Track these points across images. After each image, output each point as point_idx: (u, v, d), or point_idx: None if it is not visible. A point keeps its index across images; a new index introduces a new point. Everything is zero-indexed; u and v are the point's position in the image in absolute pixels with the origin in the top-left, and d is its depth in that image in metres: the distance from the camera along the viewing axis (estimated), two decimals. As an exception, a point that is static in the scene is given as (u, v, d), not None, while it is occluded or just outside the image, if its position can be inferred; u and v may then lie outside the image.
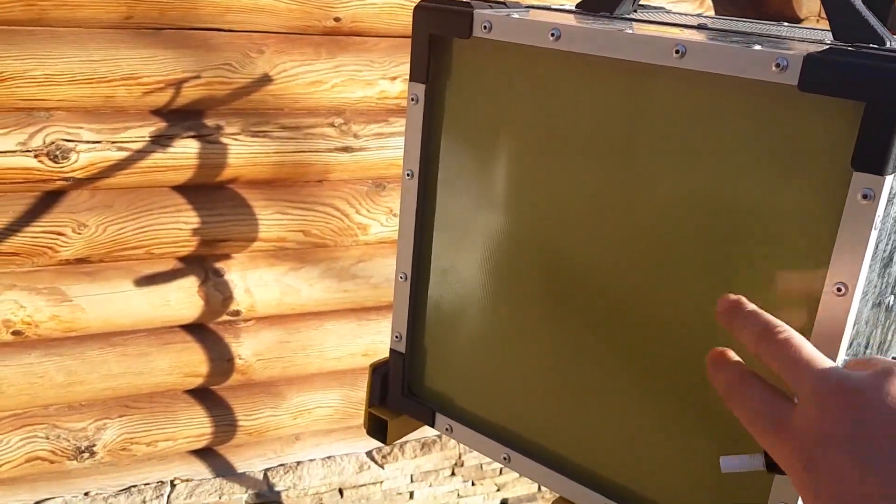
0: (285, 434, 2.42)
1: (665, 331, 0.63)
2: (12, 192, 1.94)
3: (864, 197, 0.52)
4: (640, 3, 0.93)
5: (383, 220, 2.28)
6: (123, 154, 1.99)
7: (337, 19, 2.07)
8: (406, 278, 0.76)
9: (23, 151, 1.91)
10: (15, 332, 2.03)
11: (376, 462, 2.49)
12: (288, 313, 2.27)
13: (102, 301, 2.09)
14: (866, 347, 0.64)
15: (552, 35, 0.63)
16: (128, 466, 2.27)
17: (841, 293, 0.53)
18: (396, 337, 0.79)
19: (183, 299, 2.17)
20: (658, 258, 0.62)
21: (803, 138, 0.54)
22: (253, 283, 2.22)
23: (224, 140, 2.07)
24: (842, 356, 0.55)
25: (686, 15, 0.84)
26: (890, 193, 0.54)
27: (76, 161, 1.95)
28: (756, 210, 0.57)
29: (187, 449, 2.32)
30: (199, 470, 2.34)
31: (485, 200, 0.71)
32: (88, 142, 1.96)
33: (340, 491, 2.43)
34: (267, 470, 2.40)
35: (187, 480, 2.32)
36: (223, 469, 2.37)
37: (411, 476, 2.50)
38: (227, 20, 2.00)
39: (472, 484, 2.58)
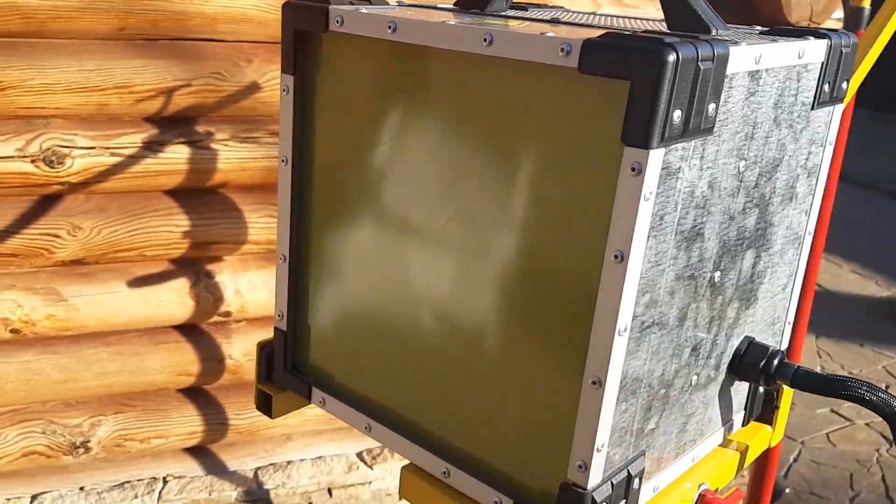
0: (276, 434, 2.47)
1: (483, 311, 0.67)
2: (11, 195, 2.04)
3: (633, 170, 0.55)
4: (536, 1, 0.98)
5: (370, 226, 2.33)
6: (117, 159, 2.08)
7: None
8: (285, 260, 0.81)
9: (20, 157, 2.01)
10: (13, 331, 2.13)
11: (365, 463, 2.54)
12: (277, 315, 2.34)
13: (97, 301, 2.18)
14: (683, 320, 0.67)
15: (390, 27, 0.67)
16: (122, 462, 2.35)
17: (618, 260, 0.57)
18: (279, 315, 0.83)
19: (175, 300, 2.24)
20: (480, 241, 0.66)
21: (587, 118, 0.58)
22: (244, 285, 2.29)
23: (214, 146, 2.15)
24: (624, 319, 0.59)
25: (569, 12, 0.88)
26: (668, 167, 0.57)
27: (71, 166, 2.05)
28: (555, 188, 0.61)
29: (180, 447, 2.39)
30: (191, 467, 2.41)
31: (354, 185, 0.76)
32: (83, 148, 2.05)
33: (329, 491, 2.47)
34: (258, 469, 2.46)
35: (179, 477, 2.39)
36: (215, 467, 2.44)
37: (401, 478, 2.53)
38: (216, 31, 2.09)
39: (463, 488, 2.61)
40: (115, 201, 2.13)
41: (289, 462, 2.50)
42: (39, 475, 2.29)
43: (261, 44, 2.14)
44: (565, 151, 0.60)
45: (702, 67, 0.55)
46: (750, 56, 0.62)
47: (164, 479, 2.37)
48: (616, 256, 0.56)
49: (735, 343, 0.79)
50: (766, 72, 0.65)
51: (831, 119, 0.81)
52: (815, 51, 0.72)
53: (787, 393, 0.88)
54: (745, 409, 0.85)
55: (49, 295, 2.14)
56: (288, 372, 0.84)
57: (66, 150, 2.04)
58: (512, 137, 0.63)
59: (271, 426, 2.45)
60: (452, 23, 0.65)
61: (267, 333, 2.33)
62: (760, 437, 0.86)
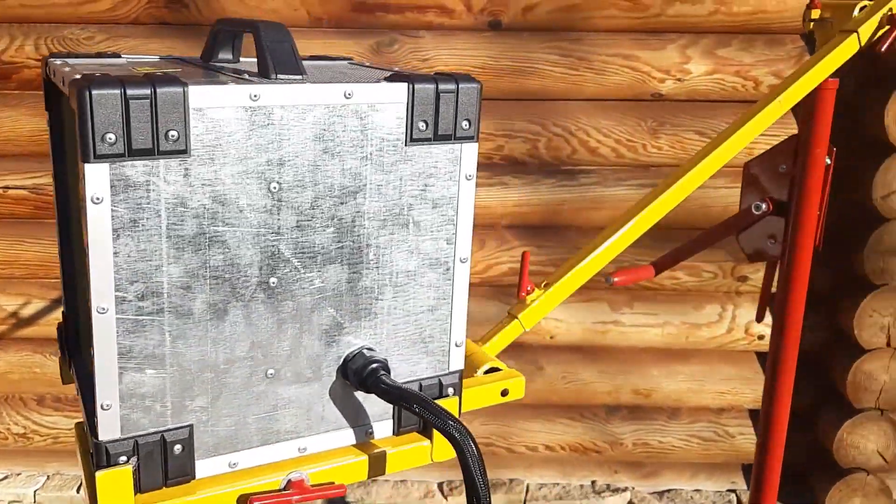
0: (361, 452, 2.70)
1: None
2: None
3: (83, 178, 0.70)
4: (317, 56, 1.13)
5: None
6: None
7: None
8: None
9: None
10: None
11: (443, 493, 2.66)
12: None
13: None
14: (220, 315, 0.78)
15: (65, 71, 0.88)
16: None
17: (90, 250, 0.72)
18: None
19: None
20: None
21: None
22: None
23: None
24: (100, 301, 0.72)
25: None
26: (126, 179, 0.71)
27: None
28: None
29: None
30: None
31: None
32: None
33: (401, 513, 2.63)
34: (342, 481, 2.69)
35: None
36: (306, 474, 2.71)
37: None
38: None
39: (538, 533, 2.62)
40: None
41: (373, 480, 2.70)
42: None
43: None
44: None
45: (130, 98, 0.69)
46: (240, 93, 0.74)
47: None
48: (87, 247, 0.71)
49: (345, 351, 0.86)
50: (281, 107, 0.76)
51: (460, 156, 0.86)
52: (378, 92, 0.81)
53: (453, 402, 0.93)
54: (393, 418, 0.91)
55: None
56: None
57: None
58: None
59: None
60: (121, 63, 0.84)
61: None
62: (416, 450, 0.91)
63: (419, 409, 0.79)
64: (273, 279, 0.81)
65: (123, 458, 0.78)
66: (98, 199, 0.71)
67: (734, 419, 2.66)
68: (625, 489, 2.69)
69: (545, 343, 2.61)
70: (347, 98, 0.79)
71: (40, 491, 2.67)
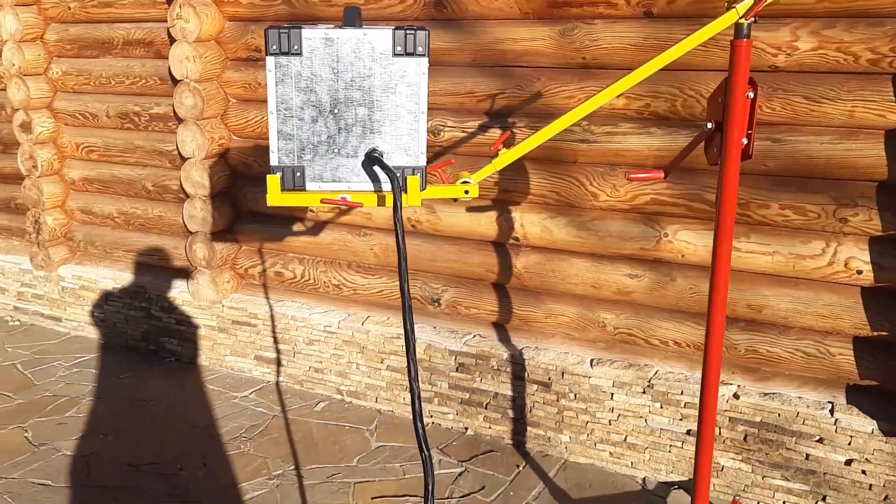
0: (544, 328, 3.72)
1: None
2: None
3: (266, 62, 1.92)
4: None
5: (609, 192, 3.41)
6: (464, 134, 3.68)
7: (583, 58, 3.36)
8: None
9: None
10: (412, 225, 3.91)
11: (591, 365, 3.58)
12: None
13: (451, 216, 3.81)
14: (314, 121, 1.97)
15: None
16: (455, 320, 3.93)
17: (267, 90, 1.93)
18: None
19: (490, 224, 3.72)
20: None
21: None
22: (527, 221, 3.63)
23: (515, 130, 3.56)
24: (271, 107, 1.94)
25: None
26: (279, 62, 1.92)
27: (443, 137, 3.73)
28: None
29: (487, 319, 3.85)
30: (489, 333, 3.84)
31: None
32: (450, 127, 3.71)
33: (562, 373, 3.60)
34: (523, 348, 3.74)
35: (482, 337, 3.84)
36: (500, 338, 3.82)
37: (612, 381, 3.50)
38: (521, 60, 3.51)
39: (660, 406, 3.42)
40: (458, 158, 3.72)
41: (537, 347, 3.71)
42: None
43: (545, 69, 3.47)
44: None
45: (280, 31, 1.89)
46: (319, 34, 1.90)
47: (475, 334, 3.86)
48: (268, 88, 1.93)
49: (367, 145, 1.97)
50: (337, 38, 1.90)
51: (419, 62, 1.93)
52: (380, 35, 1.91)
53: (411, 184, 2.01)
54: (392, 183, 1.99)
55: (429, 210, 3.86)
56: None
57: (442, 128, 3.73)
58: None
59: (542, 323, 3.71)
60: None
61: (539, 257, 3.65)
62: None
63: (389, 173, 1.89)
64: (336, 109, 1.97)
65: (278, 173, 2.01)
66: (270, 70, 1.94)
67: (837, 341, 3.17)
68: (734, 385, 3.35)
69: (678, 261, 3.38)
70: (365, 35, 1.93)
71: (343, 322, 4.15)
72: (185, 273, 4.67)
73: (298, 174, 2.01)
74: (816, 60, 2.97)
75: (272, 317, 4.35)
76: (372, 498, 3.35)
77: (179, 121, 4.33)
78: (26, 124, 4.85)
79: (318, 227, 4.21)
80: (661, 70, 2.15)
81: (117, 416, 4.07)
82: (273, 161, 2.01)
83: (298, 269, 4.35)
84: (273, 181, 2.01)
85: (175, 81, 4.26)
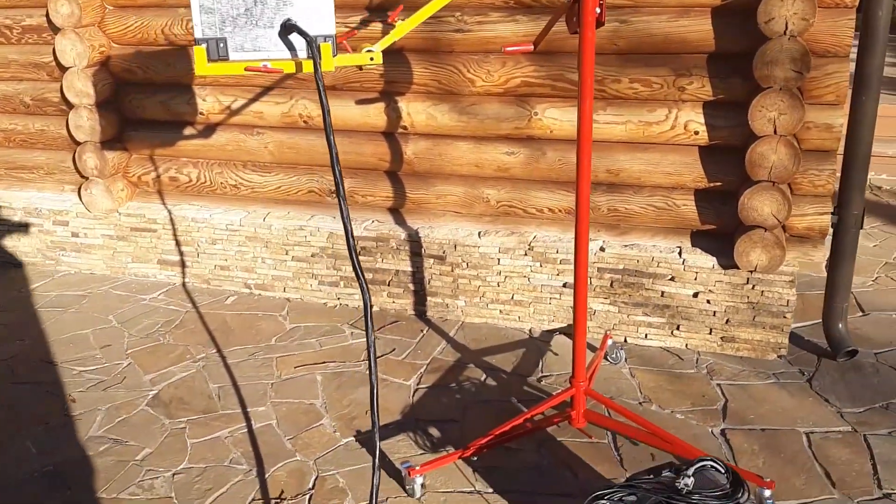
0: (435, 209, 4.12)
1: None
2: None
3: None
4: None
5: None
6: (347, 29, 3.96)
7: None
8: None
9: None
10: (304, 122, 4.18)
11: (479, 236, 4.02)
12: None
13: (344, 111, 4.10)
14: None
15: None
16: (353, 208, 4.27)
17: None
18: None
19: (377, 115, 4.05)
20: None
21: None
22: (413, 110, 3.98)
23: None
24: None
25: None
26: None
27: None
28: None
29: (382, 205, 4.20)
30: (386, 218, 4.21)
31: None
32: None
33: (455, 246, 4.03)
34: (419, 227, 4.14)
35: (380, 222, 4.20)
36: (398, 221, 4.20)
37: (498, 248, 3.96)
38: None
39: (540, 265, 3.91)
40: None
41: (431, 226, 4.12)
42: (312, 208, 4.34)
43: None
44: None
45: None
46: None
47: (373, 220, 4.22)
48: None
49: (282, 17, 2.27)
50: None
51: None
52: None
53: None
54: (307, 50, 2.30)
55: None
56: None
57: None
58: None
59: (433, 204, 4.10)
60: None
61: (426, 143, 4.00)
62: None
63: (307, 37, 2.19)
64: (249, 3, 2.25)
65: (203, 44, 2.27)
66: (191, -51, 2.19)
67: (681, 195, 3.74)
68: (600, 241, 3.88)
69: (547, 136, 3.84)
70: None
71: (244, 219, 4.41)
72: (76, 185, 4.76)
73: (222, 45, 2.29)
74: None
75: (172, 220, 4.55)
76: (294, 367, 3.70)
77: (56, 31, 4.37)
78: None
79: (209, 130, 4.41)
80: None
81: (26, 324, 4.20)
82: (197, 34, 2.27)
83: (193, 172, 4.54)
84: (200, 52, 2.27)
85: (53, -7, 4.29)
